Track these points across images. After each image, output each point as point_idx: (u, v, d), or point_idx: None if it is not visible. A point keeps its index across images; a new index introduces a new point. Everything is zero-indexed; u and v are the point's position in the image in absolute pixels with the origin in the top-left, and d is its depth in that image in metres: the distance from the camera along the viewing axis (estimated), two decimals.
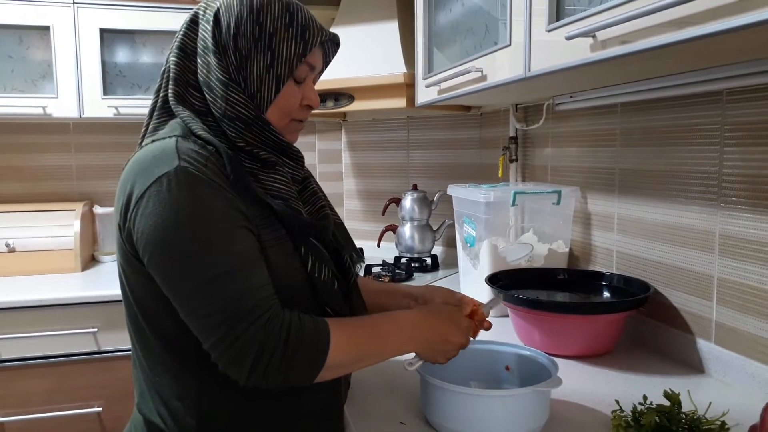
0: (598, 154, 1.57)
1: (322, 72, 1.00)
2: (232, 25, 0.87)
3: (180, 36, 0.92)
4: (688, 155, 1.25)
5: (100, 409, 1.92)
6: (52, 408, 1.89)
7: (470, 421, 0.90)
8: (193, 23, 0.92)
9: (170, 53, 0.93)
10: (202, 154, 0.84)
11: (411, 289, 1.12)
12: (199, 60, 0.90)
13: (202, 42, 0.90)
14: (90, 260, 2.39)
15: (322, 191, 1.03)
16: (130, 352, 0.95)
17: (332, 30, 1.38)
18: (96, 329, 1.91)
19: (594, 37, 0.91)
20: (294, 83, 0.92)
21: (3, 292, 1.89)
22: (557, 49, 1.02)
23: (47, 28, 2.10)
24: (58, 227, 2.20)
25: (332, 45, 1.00)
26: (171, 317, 0.83)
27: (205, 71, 0.89)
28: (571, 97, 1.62)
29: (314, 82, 0.98)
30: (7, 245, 2.13)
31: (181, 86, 0.91)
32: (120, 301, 0.93)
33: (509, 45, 1.18)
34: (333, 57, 1.02)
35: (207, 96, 0.89)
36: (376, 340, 0.89)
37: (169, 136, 0.86)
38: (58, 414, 1.88)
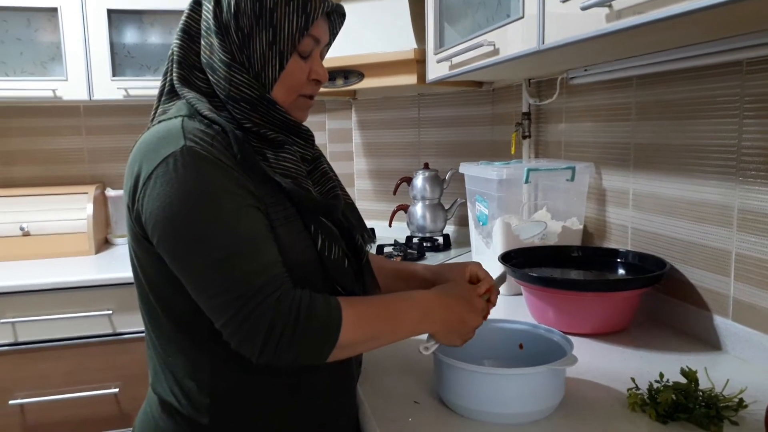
0: (613, 128, 1.54)
1: (329, 44, 0.99)
2: (232, 3, 0.86)
3: (184, 18, 0.92)
4: (706, 128, 1.22)
5: (117, 390, 1.94)
6: (69, 389, 1.91)
7: (485, 400, 0.90)
8: (197, 4, 0.92)
9: (175, 36, 0.92)
10: (209, 133, 0.83)
11: (426, 273, 1.10)
12: (202, 41, 0.90)
13: (204, 23, 0.89)
14: (103, 243, 2.40)
15: (333, 171, 1.02)
16: (144, 334, 0.96)
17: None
18: (111, 311, 1.93)
19: (610, 6, 0.88)
20: (299, 58, 0.91)
21: (18, 276, 1.91)
22: (572, 20, 0.99)
23: (55, 9, 2.09)
24: (71, 210, 2.22)
25: (338, 16, 0.98)
26: (182, 297, 0.83)
27: (207, 52, 0.88)
28: (585, 70, 1.58)
29: (322, 55, 0.97)
30: (21, 229, 2.14)
31: (186, 69, 0.90)
32: (134, 283, 0.93)
33: (522, 17, 1.15)
34: (340, 28, 1.00)
35: (210, 77, 0.88)
36: (390, 319, 0.88)
37: (175, 117, 0.86)
38: (75, 395, 1.91)
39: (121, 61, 2.21)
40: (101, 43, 2.14)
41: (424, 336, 0.95)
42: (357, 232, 0.98)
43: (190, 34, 0.91)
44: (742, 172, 1.13)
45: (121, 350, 1.95)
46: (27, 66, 2.14)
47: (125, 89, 2.17)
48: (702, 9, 0.74)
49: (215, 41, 0.87)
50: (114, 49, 2.18)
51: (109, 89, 2.17)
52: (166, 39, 2.26)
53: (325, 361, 0.82)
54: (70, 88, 2.13)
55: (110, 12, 2.14)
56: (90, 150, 2.50)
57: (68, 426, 1.93)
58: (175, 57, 0.91)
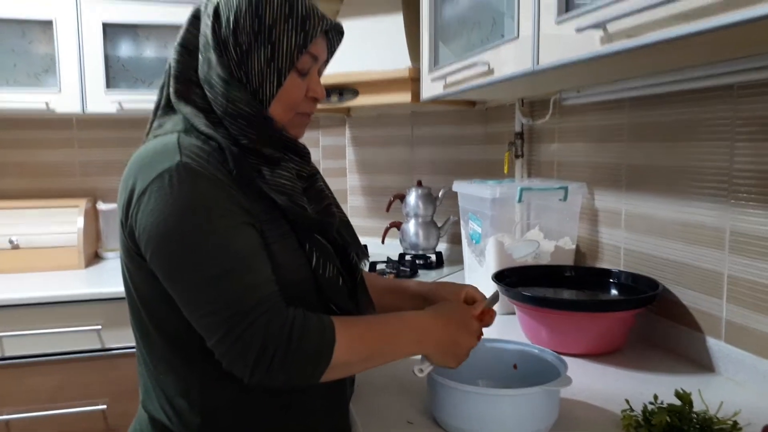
0: (605, 149, 1.55)
1: (327, 62, 0.99)
2: (231, 19, 0.86)
3: (182, 33, 0.92)
4: (698, 151, 1.23)
5: (105, 406, 1.92)
6: (56, 405, 1.88)
7: (479, 421, 0.89)
8: (196, 18, 0.92)
9: (173, 50, 0.92)
10: (204, 149, 0.83)
11: (419, 288, 1.10)
12: (200, 57, 0.89)
13: (203, 38, 0.89)
14: (93, 257, 2.38)
15: (328, 189, 1.02)
16: (134, 350, 0.95)
17: None
18: (100, 327, 1.90)
19: (605, 29, 0.89)
20: (297, 75, 0.91)
21: (7, 289, 1.89)
22: (566, 42, 1.00)
23: (50, 22, 2.09)
24: (62, 224, 2.20)
25: (336, 34, 0.98)
26: (174, 314, 0.82)
27: (205, 68, 0.88)
28: (578, 92, 1.60)
29: (320, 73, 0.97)
30: (10, 242, 2.12)
31: (183, 84, 0.90)
32: (124, 298, 0.92)
33: (517, 38, 1.16)
34: (338, 46, 1.00)
35: (208, 93, 0.88)
36: (384, 340, 0.87)
37: (171, 132, 0.86)
38: (62, 411, 1.88)
39: (116, 74, 2.21)
40: (96, 55, 2.13)
41: (418, 357, 0.94)
42: (352, 250, 0.98)
43: (188, 48, 0.91)
44: (734, 194, 1.14)
45: (109, 366, 1.93)
46: (20, 77, 2.13)
47: (119, 102, 2.17)
48: (694, 34, 0.75)
49: (213, 57, 0.87)
50: (108, 62, 2.18)
51: (103, 102, 2.16)
52: (161, 53, 2.27)
53: (318, 381, 0.81)
54: (64, 101, 2.12)
55: (105, 25, 2.14)
56: (82, 163, 2.48)
57: None
58: (172, 71, 0.91)
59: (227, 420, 0.87)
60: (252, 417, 0.88)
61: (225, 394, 0.87)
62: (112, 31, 2.18)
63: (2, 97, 2.08)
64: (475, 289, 1.06)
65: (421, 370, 0.91)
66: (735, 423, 0.90)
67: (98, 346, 1.91)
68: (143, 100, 2.17)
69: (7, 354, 1.85)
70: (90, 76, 2.14)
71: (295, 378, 0.80)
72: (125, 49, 2.23)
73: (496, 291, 1.05)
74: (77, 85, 2.13)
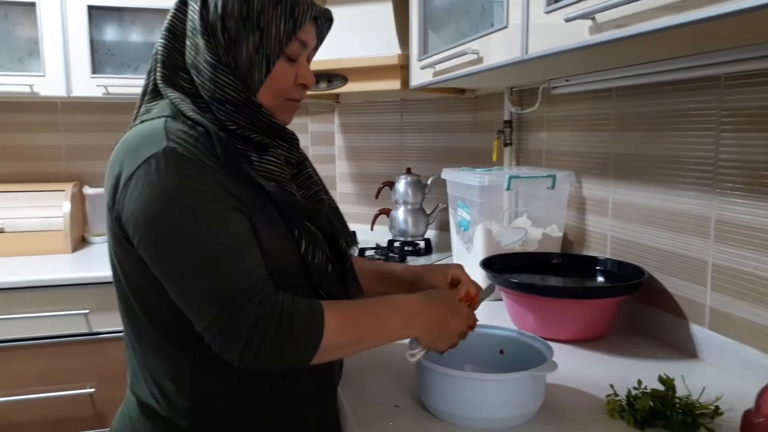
0: (593, 138, 1.56)
1: (316, 49, 0.99)
2: (219, 4, 0.85)
3: (170, 17, 0.91)
4: (685, 140, 1.24)
5: (93, 390, 1.91)
6: (44, 389, 1.88)
7: (465, 405, 0.90)
8: (183, 4, 0.91)
9: (160, 35, 0.91)
10: (192, 134, 0.83)
11: (407, 272, 1.11)
12: (187, 42, 0.89)
13: (190, 23, 0.88)
14: (80, 241, 2.36)
15: (317, 175, 1.02)
16: (122, 334, 0.94)
17: None
18: (87, 311, 1.90)
19: (593, 19, 0.90)
20: (286, 62, 0.90)
21: None
22: (555, 32, 1.00)
23: (33, 4, 2.06)
24: (48, 208, 2.18)
25: (325, 21, 0.98)
26: (162, 299, 0.82)
27: (193, 53, 0.88)
28: (566, 81, 1.60)
29: (309, 59, 0.97)
30: None
31: (170, 69, 0.89)
32: (111, 282, 0.92)
33: (506, 27, 1.16)
34: (327, 33, 1.00)
35: (195, 78, 0.88)
36: (373, 323, 0.88)
37: (158, 117, 0.85)
38: (50, 395, 1.88)
39: (101, 59, 2.18)
40: (81, 39, 2.11)
41: (407, 341, 0.95)
42: (341, 237, 0.98)
43: (175, 33, 0.90)
44: (719, 183, 1.16)
45: (97, 350, 1.92)
46: (4, 61, 2.10)
47: (105, 87, 2.15)
48: (682, 25, 0.76)
49: (201, 42, 0.86)
50: (94, 46, 2.15)
51: (88, 86, 2.14)
52: (147, 37, 2.24)
53: (308, 364, 0.82)
54: (48, 85, 2.10)
55: (90, 8, 2.11)
56: (67, 147, 2.46)
57: (42, 426, 1.89)
58: (159, 56, 0.90)
59: (216, 404, 0.88)
60: (241, 401, 0.88)
61: (214, 379, 0.87)
62: (97, 15, 2.15)
63: None
64: (460, 267, 1.06)
65: (413, 355, 0.92)
66: (716, 408, 0.92)
67: (86, 330, 1.91)
68: (129, 84, 2.15)
69: None
70: (75, 60, 2.11)
71: (285, 361, 0.80)
72: (111, 33, 2.20)
73: (491, 284, 1.06)
74: (62, 69, 2.10)
